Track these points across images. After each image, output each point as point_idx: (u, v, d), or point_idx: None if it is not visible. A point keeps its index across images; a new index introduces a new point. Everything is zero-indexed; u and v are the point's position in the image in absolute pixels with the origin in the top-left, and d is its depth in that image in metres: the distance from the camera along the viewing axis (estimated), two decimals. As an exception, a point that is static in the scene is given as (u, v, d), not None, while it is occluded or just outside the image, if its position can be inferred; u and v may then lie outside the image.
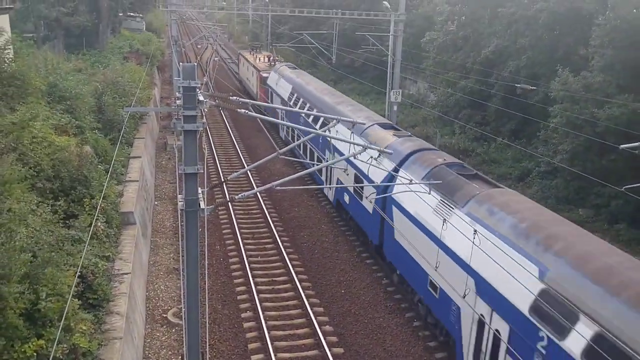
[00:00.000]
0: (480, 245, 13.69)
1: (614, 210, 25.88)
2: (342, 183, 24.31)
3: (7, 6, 33.48)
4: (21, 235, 12.28)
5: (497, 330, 13.26)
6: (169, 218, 25.50)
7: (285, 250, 22.48)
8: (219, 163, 33.68)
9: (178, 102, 10.62)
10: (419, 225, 17.19)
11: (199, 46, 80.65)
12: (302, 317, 18.25)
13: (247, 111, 11.50)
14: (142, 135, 30.01)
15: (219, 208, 25.98)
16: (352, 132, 22.88)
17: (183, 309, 14.04)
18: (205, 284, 18.25)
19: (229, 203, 26.20)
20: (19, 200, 13.89)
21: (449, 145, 37.76)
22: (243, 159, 34.79)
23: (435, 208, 16.45)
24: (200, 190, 11.18)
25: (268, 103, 41.89)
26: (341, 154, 23.93)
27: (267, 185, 12.05)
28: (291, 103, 34.58)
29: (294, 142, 32.19)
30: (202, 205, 11.10)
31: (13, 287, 11.00)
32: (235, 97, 11.81)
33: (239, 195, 11.80)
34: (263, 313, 18.16)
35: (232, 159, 35.38)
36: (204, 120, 10.87)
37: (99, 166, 20.37)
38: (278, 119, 36.14)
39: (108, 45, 44.26)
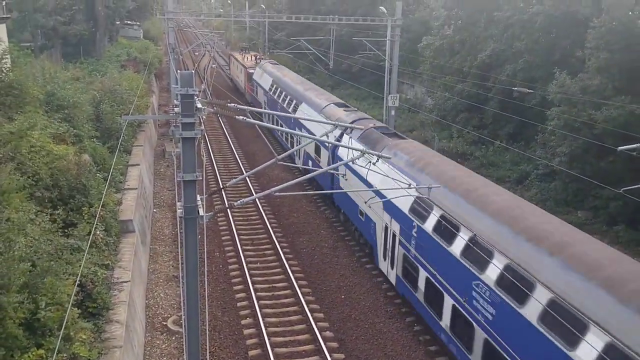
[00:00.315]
0: (376, 173, 19.58)
1: (613, 212, 25.90)
2: (308, 154, 30.60)
3: (4, 16, 33.53)
4: (20, 245, 12.26)
5: (394, 230, 19.40)
6: (168, 225, 25.48)
7: (284, 256, 22.46)
8: (218, 169, 33.69)
9: (176, 109, 10.64)
10: (354, 172, 22.98)
11: (196, 53, 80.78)
12: (302, 323, 18.23)
13: (245, 118, 11.53)
14: (140, 142, 30.02)
15: (218, 214, 25.97)
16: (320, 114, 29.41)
17: (183, 317, 14.02)
18: (204, 291, 18.23)
19: (228, 210, 26.20)
20: (17, 209, 13.89)
21: (447, 149, 37.79)
22: (242, 165, 34.80)
23: (364, 159, 19.92)
24: (199, 197, 11.18)
25: (254, 96, 49.14)
26: (308, 131, 29.78)
27: (266, 192, 12.07)
28: (271, 92, 41.37)
29: (284, 141, 37.88)
30: (201, 212, 11.11)
31: (12, 296, 10.98)
32: (233, 104, 11.83)
33: (238, 201, 11.81)
34: (263, 319, 18.14)
35: (230, 165, 35.38)
36: (202, 127, 10.89)
37: (98, 174, 20.37)
38: (262, 109, 43.17)
39: (105, 53, 44.28)
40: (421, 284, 17.35)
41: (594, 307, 11.18)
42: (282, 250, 23.07)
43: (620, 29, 25.56)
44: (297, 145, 32.21)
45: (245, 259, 22.17)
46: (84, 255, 13.53)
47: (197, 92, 10.63)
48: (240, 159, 36.18)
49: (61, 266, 13.55)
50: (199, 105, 10.60)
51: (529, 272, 12.83)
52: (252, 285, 20.14)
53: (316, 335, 17.34)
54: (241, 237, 24.35)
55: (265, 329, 17.60)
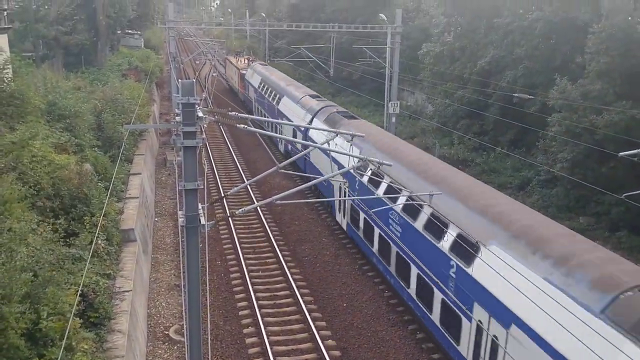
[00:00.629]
0: (337, 147, 22.75)
1: (615, 217, 25.85)
2: (287, 140, 34.36)
3: (6, 26, 33.70)
4: (22, 255, 12.26)
5: (341, 184, 24.47)
6: (169, 234, 25.46)
7: (286, 265, 22.42)
8: (219, 178, 33.69)
9: (177, 118, 10.66)
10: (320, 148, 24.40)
11: (197, 62, 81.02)
12: (304, 332, 18.16)
13: (246, 126, 11.54)
14: (141, 151, 30.06)
15: (220, 223, 25.94)
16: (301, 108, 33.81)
17: (185, 326, 13.99)
18: (206, 300, 18.19)
19: (230, 218, 26.19)
20: (19, 219, 13.89)
21: (448, 155, 37.78)
22: (243, 174, 34.81)
23: (326, 134, 23.22)
24: (200, 206, 11.18)
25: (246, 94, 53.74)
26: (288, 118, 35.05)
27: (267, 200, 12.06)
28: (260, 89, 46.26)
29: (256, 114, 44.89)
30: (203, 221, 11.10)
31: (14, 307, 10.96)
32: (234, 113, 11.85)
33: (240, 210, 11.80)
34: (265, 328, 18.08)
35: (231, 173, 35.39)
36: (204, 136, 10.90)
37: (99, 184, 20.39)
38: (253, 104, 49.52)
39: (107, 62, 44.44)
40: (361, 224, 22.84)
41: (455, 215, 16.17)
42: (283, 258, 23.03)
43: (620, 34, 25.60)
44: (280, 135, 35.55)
45: (246, 268, 22.14)
46: (85, 264, 13.52)
47: (199, 101, 10.65)
48: (241, 167, 36.20)
49: (63, 276, 13.54)
50: (200, 114, 10.62)
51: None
52: (254, 294, 20.09)
53: (318, 344, 17.28)
54: (243, 245, 24.32)
55: (268, 338, 17.54)
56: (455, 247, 15.51)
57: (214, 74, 61.41)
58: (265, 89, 44.51)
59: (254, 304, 19.40)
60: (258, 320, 18.43)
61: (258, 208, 27.06)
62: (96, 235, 15.18)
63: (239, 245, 24.16)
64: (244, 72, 54.14)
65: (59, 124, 22.94)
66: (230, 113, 11.90)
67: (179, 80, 11.98)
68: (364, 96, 53.31)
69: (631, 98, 25.56)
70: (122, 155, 24.18)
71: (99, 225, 16.11)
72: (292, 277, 21.40)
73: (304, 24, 51.53)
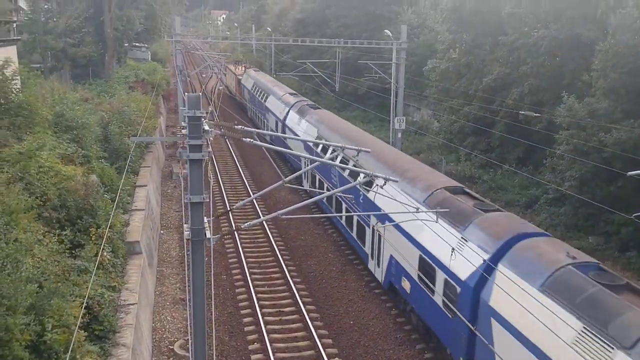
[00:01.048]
0: (306, 130, 32.60)
1: (625, 237, 25.57)
2: (286, 142, 37.09)
3: (15, 37, 33.90)
4: (27, 266, 12.17)
5: (306, 163, 28.60)
6: (175, 247, 25.33)
7: (292, 280, 22.22)
8: (225, 191, 33.61)
9: (183, 131, 10.60)
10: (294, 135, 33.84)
11: (203, 75, 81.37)
12: (310, 349, 17.93)
13: (252, 140, 11.47)
14: (147, 163, 30.04)
15: (225, 236, 25.82)
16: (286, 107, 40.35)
17: (190, 341, 13.82)
18: (211, 314, 18.02)
19: (235, 232, 26.08)
20: (25, 230, 13.82)
21: (454, 172, 37.63)
22: (248, 187, 34.73)
23: (298, 121, 35.90)
24: (206, 220, 11.08)
25: (242, 98, 60.44)
26: (273, 113, 43.50)
27: (273, 214, 11.96)
28: (252, 91, 54.05)
29: (259, 123, 49.59)
30: (208, 235, 11.00)
31: (19, 318, 10.85)
32: (240, 126, 11.79)
33: (245, 224, 11.70)
34: (271, 345, 17.86)
35: (237, 186, 35.32)
36: (210, 149, 10.84)
37: (105, 195, 20.32)
38: (247, 104, 57.64)
39: (114, 75, 44.62)
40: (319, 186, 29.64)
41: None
42: (289, 273, 22.85)
43: (626, 52, 25.53)
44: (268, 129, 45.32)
45: (252, 282, 21.96)
46: (90, 276, 13.40)
47: (205, 114, 10.60)
48: (247, 180, 36.13)
49: (68, 288, 13.44)
50: (207, 127, 10.57)
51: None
52: (260, 310, 19.90)
53: (324, 361, 17.06)
54: (248, 259, 24.16)
55: (273, 355, 17.32)
56: (363, 183, 18.27)
57: (220, 87, 61.76)
58: (256, 89, 52.63)
59: (259, 320, 19.20)
60: (264, 337, 18.23)
61: (263, 222, 26.94)
62: (102, 247, 15.07)
63: (245, 259, 24.00)
64: (240, 77, 62.00)
65: (66, 135, 22.94)
66: (236, 127, 11.84)
67: (186, 93, 11.95)
68: (369, 111, 53.34)
69: (639, 116, 25.43)
70: (128, 167, 24.15)
71: (105, 237, 16.02)
72: (298, 293, 21.20)
73: (310, 39, 51.77)
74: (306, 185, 32.44)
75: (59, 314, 12.13)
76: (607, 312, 11.50)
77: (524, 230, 15.38)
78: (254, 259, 24.32)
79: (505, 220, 16.42)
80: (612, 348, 10.72)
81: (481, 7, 38.43)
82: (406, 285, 18.88)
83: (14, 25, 42.41)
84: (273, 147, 12.53)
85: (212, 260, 19.39)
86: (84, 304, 12.28)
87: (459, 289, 15.40)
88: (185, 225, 11.22)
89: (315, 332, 18.61)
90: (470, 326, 14.57)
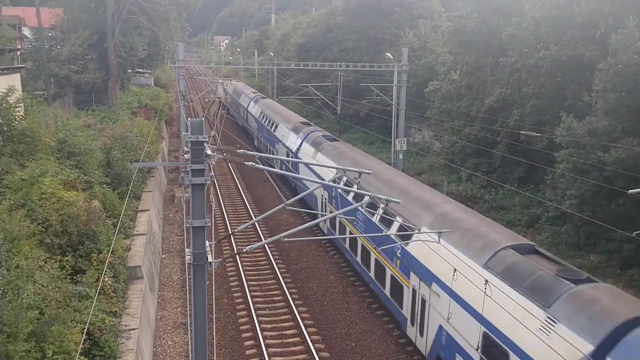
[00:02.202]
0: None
1: (626, 255, 25.50)
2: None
3: (19, 65, 34.35)
4: (28, 293, 12.22)
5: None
6: (176, 271, 25.34)
7: (293, 303, 22.18)
8: (227, 214, 33.69)
9: (186, 156, 10.74)
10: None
11: (206, 100, 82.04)
12: (312, 372, 17.84)
13: (254, 164, 11.60)
14: (150, 188, 30.18)
15: (227, 259, 25.83)
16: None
17: (191, 365, 13.77)
18: (213, 338, 17.97)
19: (237, 255, 26.08)
20: (27, 256, 13.90)
21: (456, 192, 37.66)
22: (250, 210, 34.80)
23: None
24: (207, 244, 11.15)
25: (227, 101, 74.84)
26: (244, 107, 56.63)
27: (275, 237, 12.01)
28: (232, 95, 70.78)
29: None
30: (210, 259, 11.06)
31: (20, 345, 10.88)
32: (242, 150, 11.92)
33: (247, 248, 11.76)
34: (272, 368, 17.78)
35: (239, 209, 35.39)
36: (212, 173, 10.95)
37: (107, 220, 20.41)
38: (229, 105, 70.27)
39: (117, 101, 45.05)
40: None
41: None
42: (291, 296, 22.81)
43: (627, 71, 25.71)
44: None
45: (253, 305, 21.92)
46: (92, 302, 13.43)
47: (207, 139, 10.74)
48: (249, 204, 36.21)
49: (69, 314, 13.46)
50: (209, 152, 10.70)
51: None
52: (261, 333, 19.84)
53: (326, 384, 16.96)
54: (250, 282, 24.14)
55: (275, 378, 17.24)
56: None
57: (222, 112, 62.24)
58: (235, 93, 69.21)
59: (260, 343, 19.14)
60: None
61: (265, 245, 26.97)
62: (103, 272, 15.13)
63: (246, 282, 23.98)
64: (227, 87, 77.06)
65: (68, 161, 23.13)
66: (238, 151, 11.97)
67: (188, 118, 12.10)
68: (371, 133, 53.59)
69: (639, 134, 25.52)
70: (130, 192, 24.28)
71: (107, 262, 16.08)
72: (299, 315, 21.14)
73: (312, 62, 52.26)
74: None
75: (59, 340, 12.15)
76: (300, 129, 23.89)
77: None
78: (255, 282, 24.29)
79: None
80: None
81: (482, 29, 38.82)
82: None
83: (18, 53, 43.03)
84: (277, 171, 12.65)
85: (213, 283, 19.38)
86: (85, 330, 12.30)
87: None
88: (187, 250, 11.29)
89: (317, 354, 18.53)
90: None
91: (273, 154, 41.66)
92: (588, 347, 10.99)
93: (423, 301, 17.33)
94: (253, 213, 34.15)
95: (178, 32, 56.33)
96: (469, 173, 37.82)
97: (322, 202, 29.58)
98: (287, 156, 37.30)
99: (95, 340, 13.92)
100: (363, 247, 23.08)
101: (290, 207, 12.67)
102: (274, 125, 43.66)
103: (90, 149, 24.84)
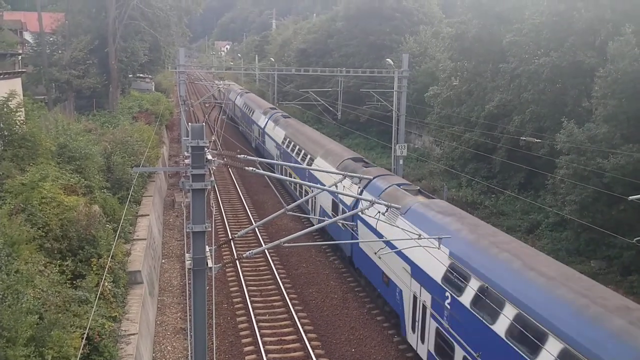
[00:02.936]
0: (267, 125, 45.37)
1: (627, 261, 25.49)
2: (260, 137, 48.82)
3: (20, 70, 34.42)
4: (28, 297, 12.22)
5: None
6: (176, 276, 25.32)
7: (293, 308, 22.15)
8: (227, 219, 33.68)
9: (186, 161, 10.74)
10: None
11: (206, 105, 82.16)
12: (312, 377, 17.80)
13: (254, 169, 11.60)
14: (150, 193, 30.18)
15: (227, 264, 25.80)
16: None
17: (190, 371, 13.74)
18: (212, 344, 17.94)
19: (237, 261, 26.06)
20: (26, 261, 13.90)
21: (456, 198, 37.65)
22: (250, 215, 34.79)
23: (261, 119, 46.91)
24: (207, 249, 11.15)
25: (221, 98, 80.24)
26: (231, 101, 70.74)
27: (275, 243, 12.00)
28: (225, 93, 77.56)
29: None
30: (210, 264, 11.05)
31: (19, 350, 10.86)
32: (243, 155, 11.93)
33: (247, 253, 11.74)
34: (272, 373, 17.74)
35: (239, 214, 35.39)
36: (212, 178, 10.96)
37: (107, 225, 20.41)
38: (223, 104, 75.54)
39: (118, 105, 45.12)
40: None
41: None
42: (291, 301, 22.78)
43: (625, 78, 25.76)
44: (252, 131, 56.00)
45: (253, 311, 21.89)
46: (91, 307, 13.41)
47: (208, 144, 10.75)
48: (249, 209, 36.21)
49: (69, 318, 13.45)
50: (209, 157, 10.71)
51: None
52: (261, 338, 19.80)
53: (326, 390, 16.92)
54: (249, 288, 24.11)
55: (274, 384, 17.20)
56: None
57: (223, 117, 62.28)
58: (228, 92, 77.06)
59: (260, 349, 19.10)
60: (264, 365, 18.11)
61: (265, 250, 26.95)
62: (103, 277, 15.12)
63: (246, 287, 23.96)
64: (220, 86, 79.02)
65: (69, 166, 23.14)
66: (239, 156, 11.98)
67: (189, 123, 12.12)
68: (371, 138, 53.65)
69: (638, 141, 25.55)
70: (130, 197, 24.27)
71: (107, 267, 16.07)
72: (299, 321, 21.11)
73: (312, 68, 52.29)
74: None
75: (59, 345, 12.14)
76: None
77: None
78: (255, 287, 24.27)
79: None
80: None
81: (483, 35, 38.89)
82: None
83: (19, 57, 43.09)
84: (276, 175, 12.66)
85: (213, 289, 19.36)
86: (85, 335, 12.28)
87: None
88: (187, 255, 11.29)
89: (317, 361, 18.49)
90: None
91: (250, 130, 57.10)
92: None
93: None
94: (253, 218, 34.14)
95: (179, 37, 56.51)
96: (469, 179, 37.83)
97: (276, 155, 42.65)
98: (258, 130, 51.03)
99: (94, 346, 13.90)
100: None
101: (290, 213, 12.67)
102: (251, 112, 57.81)
103: (91, 153, 24.85)
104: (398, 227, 18.60)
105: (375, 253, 21.22)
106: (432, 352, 16.90)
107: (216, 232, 30.89)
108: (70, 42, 43.00)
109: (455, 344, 15.41)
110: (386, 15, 59.62)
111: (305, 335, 20.07)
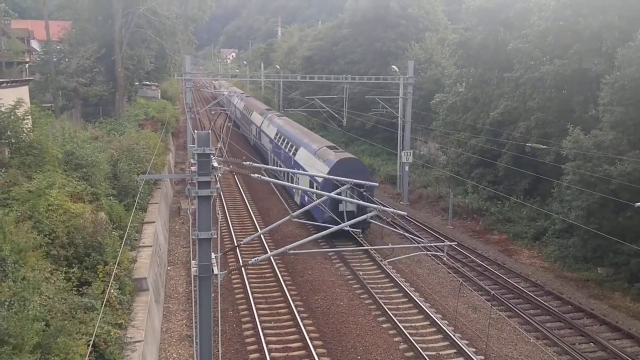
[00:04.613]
0: (263, 123, 53.69)
1: (634, 268, 25.35)
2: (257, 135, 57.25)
3: (27, 78, 34.64)
4: (34, 304, 12.24)
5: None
6: (181, 283, 25.32)
7: (299, 315, 22.09)
8: (232, 226, 33.70)
9: (193, 168, 10.77)
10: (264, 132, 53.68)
11: (212, 112, 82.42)
12: (317, 385, 17.72)
13: (260, 176, 11.62)
14: (156, 200, 30.25)
15: (232, 271, 25.79)
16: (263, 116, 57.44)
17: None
18: (218, 351, 17.92)
19: (242, 268, 26.05)
20: (33, 268, 13.93)
21: (462, 204, 37.58)
22: (256, 222, 34.80)
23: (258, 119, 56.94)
24: (213, 255, 11.16)
25: (215, 95, 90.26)
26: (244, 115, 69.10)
27: (280, 250, 12.00)
28: (219, 89, 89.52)
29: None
30: (216, 271, 11.05)
31: (25, 357, 10.88)
32: (248, 162, 11.95)
33: (252, 260, 11.75)
34: (277, 381, 17.68)
35: (245, 221, 35.41)
36: (218, 185, 10.98)
37: (114, 232, 20.45)
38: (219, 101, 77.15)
39: (124, 113, 45.30)
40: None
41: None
42: (296, 309, 22.72)
43: (632, 84, 25.70)
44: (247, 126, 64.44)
45: (259, 318, 21.85)
46: (97, 314, 13.43)
47: (214, 152, 10.78)
48: (254, 216, 36.22)
49: (75, 325, 13.46)
50: (215, 164, 10.74)
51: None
52: (266, 346, 19.75)
53: (332, 398, 16.85)
54: (255, 295, 24.08)
55: (280, 391, 17.14)
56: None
57: (228, 124, 62.39)
58: (220, 88, 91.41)
59: (266, 356, 19.05)
60: (270, 373, 18.05)
61: (271, 257, 26.94)
62: (109, 284, 15.14)
63: (252, 294, 23.92)
64: (215, 83, 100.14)
65: (75, 173, 23.21)
66: (244, 163, 12.01)
67: (195, 130, 12.17)
68: (377, 145, 53.64)
69: (645, 147, 25.46)
70: (136, 204, 24.32)
71: (113, 274, 16.09)
72: (305, 328, 21.05)
73: (318, 75, 52.57)
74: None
75: (65, 352, 12.15)
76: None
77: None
78: (260, 294, 24.24)
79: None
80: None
81: (488, 42, 38.90)
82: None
83: (27, 65, 43.36)
84: (281, 182, 12.68)
85: (219, 296, 19.36)
86: (91, 342, 12.29)
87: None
88: (192, 262, 11.30)
89: (323, 368, 18.42)
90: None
91: (249, 131, 62.83)
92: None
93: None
94: (259, 225, 34.15)
95: (185, 45, 56.71)
96: (474, 185, 37.73)
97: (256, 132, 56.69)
98: (255, 129, 57.92)
99: (100, 353, 13.91)
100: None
101: (296, 220, 12.67)
102: (250, 113, 62.94)
103: (97, 161, 24.93)
104: (267, 124, 47.55)
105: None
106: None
107: (222, 239, 30.90)
108: (77, 50, 43.23)
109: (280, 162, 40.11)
110: (392, 22, 59.77)
111: (311, 342, 20.00)
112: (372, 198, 27.71)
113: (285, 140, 42.70)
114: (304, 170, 34.29)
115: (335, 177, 16.85)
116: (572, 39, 31.03)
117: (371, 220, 22.41)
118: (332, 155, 33.01)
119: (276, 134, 46.63)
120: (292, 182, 36.12)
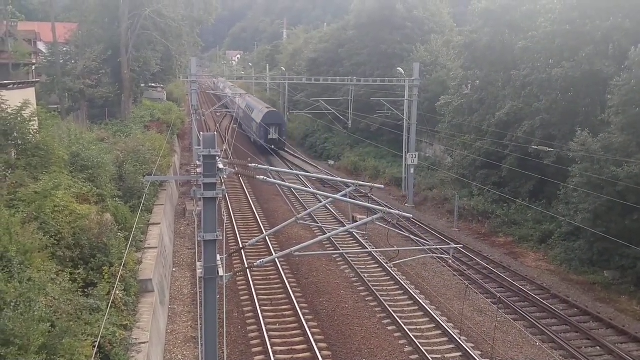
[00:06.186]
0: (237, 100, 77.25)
1: (641, 272, 25.22)
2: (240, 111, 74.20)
3: (34, 80, 34.76)
4: (40, 305, 12.26)
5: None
6: (187, 285, 25.33)
7: (304, 318, 22.05)
8: (237, 228, 33.71)
9: (198, 170, 10.77)
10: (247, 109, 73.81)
11: (218, 114, 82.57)
12: (322, 387, 17.68)
13: (265, 178, 11.61)
14: (161, 201, 30.30)
15: (238, 273, 25.79)
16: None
17: (201, 380, 13.69)
18: (223, 353, 17.90)
19: (248, 269, 26.05)
20: (39, 269, 13.96)
21: (468, 207, 37.47)
22: (261, 224, 34.81)
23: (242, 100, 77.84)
24: (218, 257, 11.15)
25: (213, 89, 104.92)
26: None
27: (286, 252, 11.99)
28: (217, 84, 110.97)
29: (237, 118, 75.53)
30: (221, 273, 11.04)
31: (31, 358, 10.89)
32: (254, 164, 11.94)
33: (258, 262, 11.73)
34: (282, 383, 17.65)
35: (250, 223, 35.41)
36: (223, 187, 10.97)
37: (119, 234, 20.48)
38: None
39: (130, 115, 45.39)
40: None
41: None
42: (301, 311, 22.69)
43: (641, 86, 25.54)
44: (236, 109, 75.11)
45: (264, 320, 21.83)
46: (103, 315, 13.44)
47: (219, 153, 10.77)
48: (260, 217, 36.22)
49: (80, 327, 13.48)
50: (221, 166, 10.73)
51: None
52: (271, 348, 19.73)
53: (337, 400, 16.81)
54: (260, 296, 24.07)
55: (285, 393, 17.10)
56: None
57: (234, 126, 62.57)
58: (219, 84, 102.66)
59: (271, 358, 19.02)
60: (275, 375, 18.02)
61: (276, 259, 26.92)
62: (115, 285, 15.15)
63: (257, 296, 23.91)
64: (215, 80, 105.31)
65: (81, 175, 23.26)
66: (250, 165, 12.00)
67: (201, 132, 12.17)
68: (382, 147, 53.58)
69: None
70: (142, 206, 24.35)
71: (118, 275, 16.11)
72: (310, 330, 21.01)
73: (323, 77, 52.57)
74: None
75: (70, 353, 12.16)
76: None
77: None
78: (265, 296, 24.23)
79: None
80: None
81: (494, 44, 38.80)
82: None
83: (33, 67, 43.50)
84: (289, 185, 12.68)
85: (224, 298, 19.33)
86: (97, 343, 12.30)
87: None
88: (198, 264, 11.29)
89: (328, 371, 18.38)
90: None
91: (250, 128, 69.53)
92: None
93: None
94: (264, 227, 34.14)
95: (191, 47, 56.81)
96: (480, 187, 37.61)
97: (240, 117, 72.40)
98: (241, 110, 72.93)
99: (106, 354, 13.92)
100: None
101: (301, 222, 12.66)
102: (250, 110, 71.42)
103: (103, 162, 24.98)
104: (239, 99, 74.03)
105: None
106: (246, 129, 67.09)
107: (227, 241, 30.91)
108: (84, 52, 43.34)
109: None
110: (397, 24, 59.72)
111: (316, 344, 19.97)
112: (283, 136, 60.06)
113: (250, 108, 69.07)
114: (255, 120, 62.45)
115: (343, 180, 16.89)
116: (579, 41, 30.89)
117: (377, 223, 22.32)
118: (265, 110, 61.79)
119: (245, 106, 71.85)
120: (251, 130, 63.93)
